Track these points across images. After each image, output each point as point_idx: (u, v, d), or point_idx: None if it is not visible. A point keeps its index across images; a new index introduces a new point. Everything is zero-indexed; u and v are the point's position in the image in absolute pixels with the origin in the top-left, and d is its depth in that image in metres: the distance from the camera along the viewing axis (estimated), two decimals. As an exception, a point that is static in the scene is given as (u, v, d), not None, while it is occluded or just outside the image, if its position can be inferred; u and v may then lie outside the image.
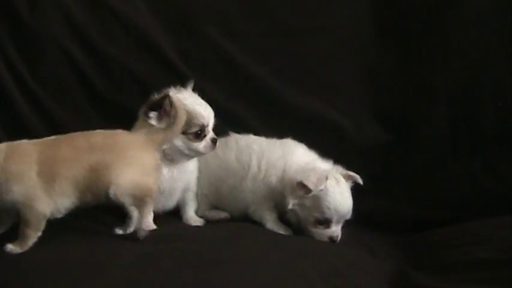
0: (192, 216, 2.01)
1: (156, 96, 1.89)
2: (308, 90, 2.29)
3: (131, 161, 1.72)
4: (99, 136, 1.76)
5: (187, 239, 1.75)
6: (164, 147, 1.87)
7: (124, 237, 1.79)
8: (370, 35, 2.30)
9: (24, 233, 1.69)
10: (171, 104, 1.83)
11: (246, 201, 1.97)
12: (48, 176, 1.68)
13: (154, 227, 1.87)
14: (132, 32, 2.33)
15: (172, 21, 2.33)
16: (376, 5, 2.29)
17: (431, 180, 2.19)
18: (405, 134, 2.24)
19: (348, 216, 1.91)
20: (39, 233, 1.69)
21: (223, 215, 2.03)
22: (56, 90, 2.35)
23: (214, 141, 1.90)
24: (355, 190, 1.96)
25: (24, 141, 1.74)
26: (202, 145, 1.89)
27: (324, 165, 1.95)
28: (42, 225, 1.70)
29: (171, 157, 1.90)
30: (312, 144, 2.16)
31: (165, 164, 1.90)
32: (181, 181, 1.96)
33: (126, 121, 2.03)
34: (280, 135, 2.21)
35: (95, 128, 1.82)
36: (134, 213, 1.79)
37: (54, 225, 1.70)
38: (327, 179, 1.85)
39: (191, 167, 1.98)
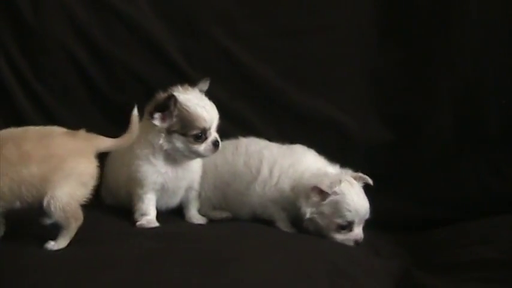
0: (194, 215, 2.01)
1: (160, 96, 1.87)
2: (312, 90, 2.28)
3: (68, 172, 1.63)
4: (31, 143, 1.61)
5: (191, 238, 1.74)
6: (166, 147, 1.86)
7: (126, 234, 1.77)
8: (373, 35, 2.29)
9: None
10: (175, 104, 1.82)
11: (253, 205, 1.95)
12: None
13: (156, 224, 1.88)
14: (135, 32, 2.34)
15: (175, 21, 2.33)
16: (379, 5, 2.28)
17: (436, 179, 2.18)
18: (409, 134, 2.23)
19: (367, 215, 1.89)
20: None
21: (225, 214, 2.03)
22: (58, 90, 2.36)
23: (215, 144, 1.87)
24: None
25: None
26: (202, 147, 1.86)
27: (334, 170, 1.93)
28: None
29: (173, 157, 1.89)
30: (315, 144, 2.15)
31: (169, 163, 1.90)
32: (185, 180, 1.95)
33: (129, 120, 2.04)
34: (284, 135, 2.22)
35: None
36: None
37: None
38: (340, 181, 1.84)
39: (195, 166, 1.97)
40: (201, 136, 1.85)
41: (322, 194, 1.84)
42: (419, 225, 2.12)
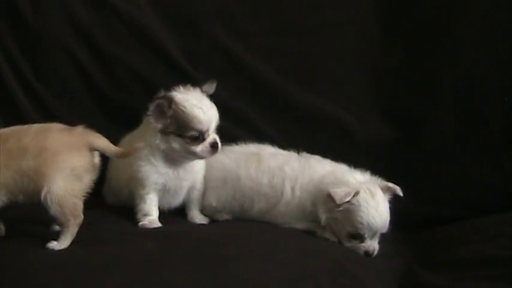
0: (197, 215, 2.00)
1: (157, 97, 1.86)
2: (313, 89, 2.27)
3: (62, 165, 1.65)
4: (29, 137, 1.67)
5: (194, 237, 1.74)
6: (162, 147, 1.85)
7: (129, 234, 1.77)
8: (375, 33, 2.28)
9: None
10: (170, 105, 1.81)
11: (277, 223, 1.91)
12: None
13: (159, 224, 1.87)
14: (136, 31, 2.33)
15: (176, 20, 2.33)
16: (380, 3, 2.28)
17: (438, 177, 2.17)
18: (411, 132, 2.22)
19: (384, 230, 1.85)
20: None
21: (227, 217, 2.01)
22: (59, 89, 2.36)
23: (214, 146, 1.85)
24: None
25: None
26: (199, 149, 1.84)
27: (360, 177, 1.88)
28: None
29: (172, 157, 1.88)
30: (317, 143, 2.17)
31: (170, 163, 1.89)
32: (187, 180, 1.94)
33: (130, 120, 2.04)
34: (286, 134, 2.24)
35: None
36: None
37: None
38: (357, 193, 1.79)
39: (197, 166, 1.96)
40: (198, 137, 1.83)
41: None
42: (421, 223, 2.12)
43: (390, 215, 2.01)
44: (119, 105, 2.31)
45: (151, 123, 1.83)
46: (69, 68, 2.35)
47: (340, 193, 1.78)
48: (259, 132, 2.21)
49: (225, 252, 1.59)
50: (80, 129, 1.72)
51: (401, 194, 1.88)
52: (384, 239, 2.00)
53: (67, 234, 1.66)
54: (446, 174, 2.17)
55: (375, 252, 1.83)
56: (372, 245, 1.83)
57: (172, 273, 1.46)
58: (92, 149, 1.72)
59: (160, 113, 1.82)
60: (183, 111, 1.81)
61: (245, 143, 2.09)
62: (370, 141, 2.23)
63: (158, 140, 1.85)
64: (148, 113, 1.83)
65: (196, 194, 1.99)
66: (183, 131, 1.82)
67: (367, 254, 1.82)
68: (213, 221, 1.99)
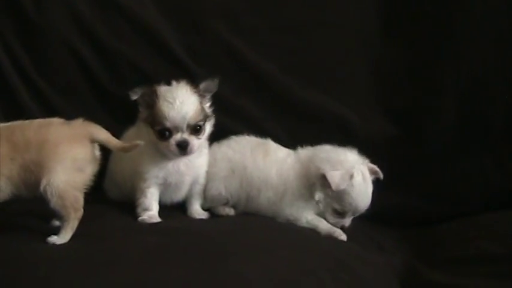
0: (197, 210, 1.98)
1: (147, 88, 1.88)
2: (315, 86, 2.26)
3: (63, 156, 1.66)
4: (32, 130, 1.69)
5: (194, 232, 1.73)
6: (147, 139, 1.84)
7: (129, 229, 1.77)
8: (376, 31, 2.27)
9: None
10: (150, 96, 1.83)
11: (286, 214, 1.91)
12: None
13: (158, 219, 1.87)
14: (139, 28, 2.32)
15: (179, 16, 2.32)
16: (382, 1, 2.27)
17: (440, 175, 2.16)
18: (413, 129, 2.21)
19: (364, 211, 1.90)
20: None
21: (228, 210, 2.00)
22: (61, 86, 2.35)
23: (180, 146, 1.82)
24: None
25: None
26: (164, 146, 1.83)
27: (352, 157, 1.91)
28: None
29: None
30: (319, 139, 2.13)
31: (170, 157, 1.88)
32: (188, 175, 1.93)
33: (132, 116, 2.04)
34: (288, 130, 2.23)
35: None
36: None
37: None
38: (352, 177, 1.83)
39: (199, 161, 1.95)
40: (165, 134, 1.83)
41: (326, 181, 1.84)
42: (422, 220, 2.13)
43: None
44: (122, 102, 2.25)
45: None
46: (71, 64, 2.34)
47: (336, 179, 1.81)
48: (261, 129, 2.18)
49: (225, 247, 1.58)
50: (80, 121, 1.74)
51: (381, 177, 1.92)
52: (383, 235, 2.02)
53: (67, 229, 1.66)
54: (448, 171, 2.16)
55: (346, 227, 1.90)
56: (348, 221, 1.92)
57: (172, 269, 1.45)
58: (93, 141, 1.73)
59: (146, 103, 1.84)
60: (157, 105, 1.82)
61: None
62: (372, 138, 2.22)
63: (144, 131, 1.86)
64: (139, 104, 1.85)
65: (198, 189, 1.98)
66: (154, 124, 1.83)
67: (343, 228, 1.89)
68: (212, 215, 1.98)
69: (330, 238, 1.83)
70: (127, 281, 1.42)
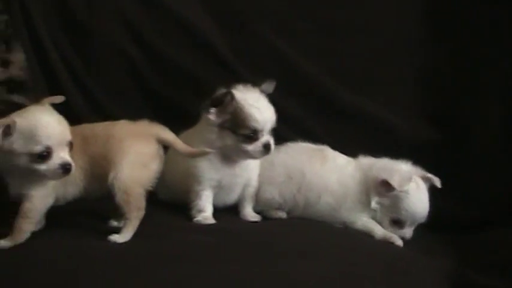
0: (249, 212, 2.02)
1: (218, 92, 1.90)
2: (359, 89, 2.31)
3: (127, 150, 1.72)
4: (101, 126, 1.79)
5: (248, 234, 1.79)
6: (218, 144, 1.89)
7: (185, 229, 1.82)
8: (421, 34, 2.30)
9: (20, 227, 1.67)
10: (231, 101, 1.86)
11: (344, 218, 1.96)
12: None
13: (213, 221, 1.91)
14: (185, 30, 2.38)
15: (225, 19, 2.38)
16: (426, 5, 2.30)
17: (484, 179, 2.18)
18: (457, 134, 2.24)
19: (423, 220, 1.94)
20: (35, 227, 1.71)
21: (281, 214, 2.04)
22: (111, 87, 2.42)
23: (266, 147, 1.88)
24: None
25: None
26: (251, 148, 1.88)
27: (406, 167, 1.95)
28: (42, 219, 1.74)
29: (227, 154, 1.92)
30: (362, 143, 2.20)
31: (225, 160, 1.93)
32: (241, 177, 1.97)
33: (178, 117, 2.09)
34: (331, 132, 2.27)
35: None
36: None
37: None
38: (410, 180, 1.88)
39: (252, 164, 1.99)
40: (252, 136, 1.87)
41: (389, 187, 1.88)
42: (468, 225, 2.14)
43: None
44: (169, 102, 2.36)
45: (210, 118, 1.87)
46: (120, 65, 2.41)
47: (398, 179, 1.86)
48: (305, 131, 2.24)
49: (278, 248, 1.65)
50: (145, 122, 1.82)
51: (438, 185, 1.95)
52: (430, 240, 2.05)
53: (129, 227, 1.71)
54: (492, 176, 2.18)
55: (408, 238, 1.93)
56: (408, 232, 1.93)
57: (229, 267, 1.51)
58: (160, 140, 1.79)
59: (221, 108, 1.86)
60: (241, 109, 1.85)
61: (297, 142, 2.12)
62: (415, 142, 2.25)
63: (215, 136, 1.89)
64: (209, 107, 1.87)
65: (250, 192, 2.02)
66: (238, 128, 1.86)
67: (403, 239, 1.91)
68: (264, 218, 2.03)
69: (383, 242, 1.87)
70: (187, 277, 1.47)
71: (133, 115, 2.27)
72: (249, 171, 1.99)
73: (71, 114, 2.26)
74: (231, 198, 2.01)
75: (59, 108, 2.34)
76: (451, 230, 2.12)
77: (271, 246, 1.66)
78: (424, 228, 2.06)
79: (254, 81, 1.99)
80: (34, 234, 1.72)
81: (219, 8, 2.39)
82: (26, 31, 2.36)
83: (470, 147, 2.23)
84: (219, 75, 2.31)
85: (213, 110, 1.88)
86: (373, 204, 1.92)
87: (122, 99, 2.40)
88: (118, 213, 1.84)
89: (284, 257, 1.58)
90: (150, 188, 1.75)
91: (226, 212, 2.02)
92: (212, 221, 1.91)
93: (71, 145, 1.67)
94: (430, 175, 1.96)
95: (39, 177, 1.65)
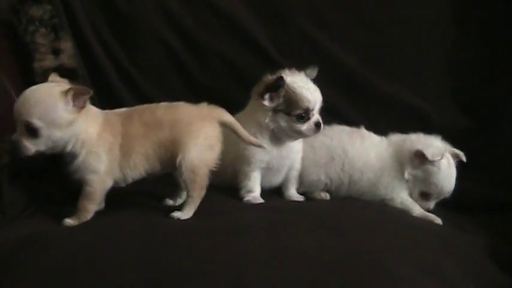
0: (294, 193, 2.12)
1: (269, 78, 2.01)
2: (394, 78, 2.40)
3: (195, 134, 1.79)
4: (162, 111, 1.82)
5: (307, 210, 1.89)
6: (271, 126, 2.00)
7: (244, 207, 1.93)
8: (450, 26, 2.40)
9: (84, 207, 1.77)
10: (283, 85, 1.96)
11: (381, 194, 2.09)
12: (127, 151, 1.78)
13: (262, 200, 2.00)
14: (225, 21, 2.46)
15: (264, 10, 2.46)
16: (455, -2, 2.41)
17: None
18: (486, 120, 2.34)
19: (448, 195, 2.08)
20: (98, 207, 1.81)
21: (324, 195, 2.15)
22: (153, 75, 2.49)
23: (317, 125, 2.00)
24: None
25: (107, 111, 1.85)
26: (304, 127, 1.99)
27: (437, 142, 2.09)
28: (103, 199, 1.83)
29: (278, 136, 2.02)
30: (396, 129, 2.27)
31: (274, 142, 2.03)
32: (288, 159, 2.08)
33: (219, 104, 2.16)
34: (368, 119, 2.35)
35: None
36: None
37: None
38: (443, 155, 2.01)
39: (297, 147, 2.10)
40: (304, 116, 1.98)
41: (423, 159, 2.01)
42: (495, 207, 2.23)
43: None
44: (210, 90, 2.44)
45: (265, 104, 1.98)
46: (161, 53, 2.48)
47: (432, 151, 2.00)
48: (343, 117, 2.33)
49: (340, 222, 1.73)
50: (206, 105, 1.89)
51: (464, 159, 2.09)
52: (463, 220, 2.16)
53: (191, 205, 1.80)
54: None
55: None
56: (431, 205, 2.10)
57: (300, 238, 1.59)
58: (221, 123, 1.87)
59: (275, 93, 1.97)
60: (293, 91, 1.97)
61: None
62: (447, 129, 2.31)
63: (268, 119, 1.99)
64: (263, 93, 1.98)
65: (294, 174, 2.12)
66: (292, 109, 1.97)
67: (428, 210, 2.06)
68: (308, 200, 2.13)
69: (426, 220, 1.99)
70: (256, 248, 1.54)
71: (175, 101, 2.41)
72: (294, 153, 2.10)
73: (115, 100, 2.43)
74: (276, 179, 2.11)
75: (102, 95, 2.48)
76: (478, 212, 2.21)
77: (331, 221, 1.72)
78: (456, 210, 2.18)
79: (295, 68, 2.09)
80: (97, 214, 1.82)
81: (258, 1, 2.47)
82: (67, 21, 2.43)
83: (498, 133, 2.33)
84: (258, 63, 2.39)
85: (267, 95, 1.97)
86: (406, 175, 2.05)
87: (164, 86, 2.47)
88: (175, 192, 1.94)
89: (347, 231, 1.66)
90: (214, 169, 1.83)
91: (271, 193, 2.11)
92: (261, 200, 2.00)
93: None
94: (457, 151, 2.10)
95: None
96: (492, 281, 1.60)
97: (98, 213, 1.83)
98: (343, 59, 2.42)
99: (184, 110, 1.85)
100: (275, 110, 1.99)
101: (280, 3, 2.46)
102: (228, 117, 1.89)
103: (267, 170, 2.06)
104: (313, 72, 2.07)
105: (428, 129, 2.30)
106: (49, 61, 2.29)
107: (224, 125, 1.88)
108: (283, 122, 1.99)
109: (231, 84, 2.43)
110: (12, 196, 1.93)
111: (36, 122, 1.68)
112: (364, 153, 2.12)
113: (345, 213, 1.85)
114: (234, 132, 1.91)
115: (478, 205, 2.24)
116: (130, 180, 1.84)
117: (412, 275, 1.45)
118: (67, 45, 2.35)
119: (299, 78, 2.02)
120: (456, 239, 1.82)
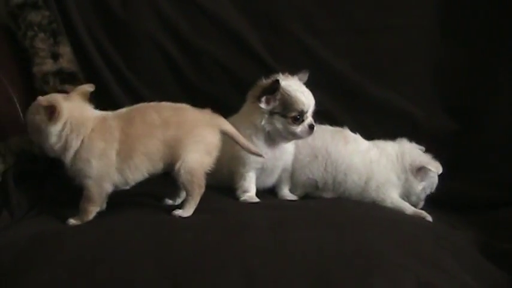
0: (287, 193, 2.20)
1: (265, 82, 2.08)
2: (384, 83, 2.47)
3: (198, 138, 1.85)
4: (169, 111, 1.87)
5: (300, 208, 1.95)
6: (267, 128, 2.06)
7: (243, 205, 1.99)
8: (438, 32, 2.48)
9: (85, 209, 1.83)
10: (279, 89, 2.02)
11: (372, 197, 2.15)
12: (127, 153, 1.82)
13: (257, 200, 2.05)
14: (219, 26, 2.52)
15: (258, 18, 2.53)
16: (442, 6, 2.49)
17: (498, 164, 2.37)
18: (472, 124, 2.42)
19: None
20: (100, 208, 1.86)
21: (325, 194, 2.20)
22: (149, 79, 2.54)
23: (311, 127, 2.07)
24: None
25: (108, 114, 1.89)
26: (299, 129, 2.05)
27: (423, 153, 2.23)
28: (104, 201, 1.87)
29: (273, 137, 2.09)
30: (387, 132, 2.35)
31: (269, 144, 2.10)
32: (282, 160, 2.14)
33: (215, 109, 2.21)
34: (359, 123, 2.41)
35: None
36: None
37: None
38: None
39: (290, 148, 2.17)
40: (299, 118, 2.05)
41: (425, 172, 2.13)
42: (483, 206, 2.29)
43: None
44: (206, 95, 2.50)
45: (261, 107, 2.04)
46: (157, 58, 2.53)
47: (434, 164, 2.13)
48: (335, 122, 2.38)
49: (339, 219, 1.79)
50: (209, 111, 1.94)
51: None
52: (453, 219, 2.23)
53: (191, 202, 1.85)
54: (505, 162, 2.36)
55: None
56: (422, 203, 2.24)
57: (300, 233, 1.63)
58: (222, 131, 1.92)
59: (272, 96, 2.03)
60: (288, 94, 2.04)
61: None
62: (434, 131, 2.44)
63: (264, 122, 2.06)
64: (260, 96, 2.05)
65: (286, 175, 2.20)
66: (287, 112, 2.04)
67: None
68: (301, 199, 2.19)
69: (418, 218, 2.06)
70: (259, 244, 1.58)
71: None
72: (287, 155, 2.16)
73: (113, 105, 2.46)
74: (270, 180, 2.18)
75: (100, 99, 2.51)
76: (466, 211, 2.28)
77: (329, 217, 1.79)
78: (446, 209, 2.26)
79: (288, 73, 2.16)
80: (101, 214, 1.87)
81: (251, 8, 2.54)
82: (63, 25, 2.49)
83: (484, 136, 2.41)
84: (252, 68, 2.45)
85: (264, 98, 2.04)
86: (420, 187, 2.16)
87: (160, 90, 2.51)
88: (174, 192, 1.99)
89: (346, 226, 1.71)
90: (208, 171, 1.88)
91: (265, 193, 2.17)
92: (257, 199, 2.06)
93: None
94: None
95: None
96: (484, 272, 1.66)
97: (101, 213, 1.88)
98: (335, 64, 2.49)
99: (191, 114, 1.91)
100: (271, 113, 2.06)
101: (274, 10, 2.53)
102: (228, 127, 1.95)
103: (261, 171, 2.12)
104: (305, 76, 2.14)
105: (418, 133, 2.41)
106: (48, 65, 2.34)
107: (225, 134, 1.94)
108: (279, 124, 2.06)
109: (225, 88, 2.49)
110: (19, 197, 1.97)
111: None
112: (347, 156, 2.17)
113: (340, 210, 1.92)
114: (235, 141, 1.97)
115: (467, 204, 2.31)
116: (132, 183, 1.88)
117: (413, 264, 1.51)
118: (66, 50, 2.41)
119: (293, 82, 2.09)
120: (448, 233, 1.88)
